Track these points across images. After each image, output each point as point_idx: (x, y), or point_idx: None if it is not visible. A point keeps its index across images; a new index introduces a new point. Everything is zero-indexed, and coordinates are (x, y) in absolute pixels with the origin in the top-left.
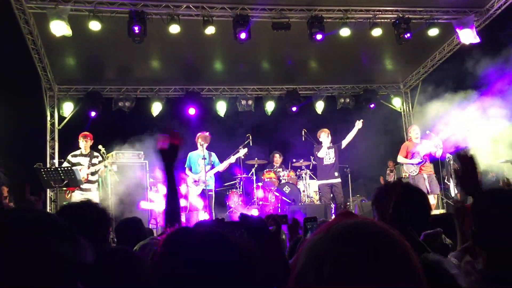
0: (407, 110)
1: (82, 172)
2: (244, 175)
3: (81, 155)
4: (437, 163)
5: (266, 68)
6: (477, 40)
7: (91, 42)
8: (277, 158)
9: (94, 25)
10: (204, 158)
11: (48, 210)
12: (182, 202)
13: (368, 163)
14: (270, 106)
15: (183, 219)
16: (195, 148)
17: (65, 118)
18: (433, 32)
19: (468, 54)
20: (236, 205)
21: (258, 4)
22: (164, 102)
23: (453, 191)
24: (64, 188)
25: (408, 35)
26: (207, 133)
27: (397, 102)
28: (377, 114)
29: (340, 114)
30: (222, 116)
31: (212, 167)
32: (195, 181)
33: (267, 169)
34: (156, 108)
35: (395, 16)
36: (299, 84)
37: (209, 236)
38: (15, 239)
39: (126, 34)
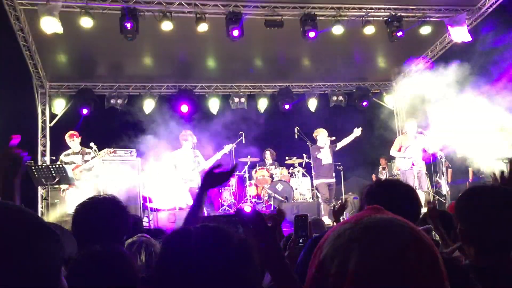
0: (399, 108)
1: (76, 170)
2: (237, 173)
3: (73, 153)
4: (428, 160)
5: (259, 66)
6: (469, 38)
7: (83, 39)
8: (268, 155)
9: (86, 22)
10: (196, 156)
11: (39, 208)
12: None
13: (361, 161)
14: (263, 104)
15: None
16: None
17: (57, 115)
18: (425, 30)
19: (459, 52)
20: (228, 203)
21: (251, 1)
22: (157, 99)
23: (445, 188)
24: (56, 186)
25: (401, 33)
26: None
27: (389, 100)
28: (370, 112)
29: (333, 112)
30: (215, 113)
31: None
32: (183, 179)
33: (260, 167)
34: (149, 105)
35: (388, 14)
36: (292, 82)
37: (208, 233)
38: None
39: (118, 31)
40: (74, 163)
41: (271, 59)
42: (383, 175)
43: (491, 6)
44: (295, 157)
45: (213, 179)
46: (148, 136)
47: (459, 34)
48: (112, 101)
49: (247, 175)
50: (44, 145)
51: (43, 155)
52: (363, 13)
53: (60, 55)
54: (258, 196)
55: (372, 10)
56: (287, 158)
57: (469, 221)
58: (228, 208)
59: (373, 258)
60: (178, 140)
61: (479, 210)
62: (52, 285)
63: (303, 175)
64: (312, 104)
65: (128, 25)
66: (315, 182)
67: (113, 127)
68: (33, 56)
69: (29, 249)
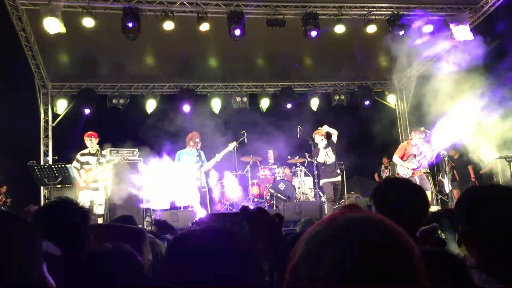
0: (402, 107)
1: (91, 173)
2: (239, 172)
3: (89, 154)
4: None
5: (261, 65)
6: (471, 37)
7: (85, 39)
8: (271, 155)
9: (88, 22)
10: (199, 155)
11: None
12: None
13: (363, 160)
14: (265, 103)
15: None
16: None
17: (59, 115)
18: (427, 29)
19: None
20: (231, 202)
21: (253, 0)
22: (159, 99)
23: (448, 187)
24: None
25: (403, 32)
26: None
27: (391, 99)
28: (372, 111)
29: (335, 111)
30: (217, 113)
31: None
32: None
33: (262, 166)
34: (151, 105)
35: (390, 13)
36: (294, 81)
37: (213, 234)
38: None
39: (120, 30)
40: (90, 164)
41: (273, 58)
42: (385, 174)
43: (493, 5)
44: (297, 157)
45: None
46: (150, 136)
47: (461, 32)
48: (114, 101)
49: (249, 175)
50: (46, 145)
51: (46, 155)
52: (365, 12)
53: (62, 55)
54: (260, 196)
55: (374, 9)
56: (289, 157)
57: (471, 221)
58: (231, 208)
59: (345, 260)
60: (179, 140)
61: (481, 210)
62: (33, 275)
63: (306, 174)
64: (314, 103)
65: (130, 24)
66: (321, 182)
67: (115, 127)
68: (35, 56)
69: (5, 238)
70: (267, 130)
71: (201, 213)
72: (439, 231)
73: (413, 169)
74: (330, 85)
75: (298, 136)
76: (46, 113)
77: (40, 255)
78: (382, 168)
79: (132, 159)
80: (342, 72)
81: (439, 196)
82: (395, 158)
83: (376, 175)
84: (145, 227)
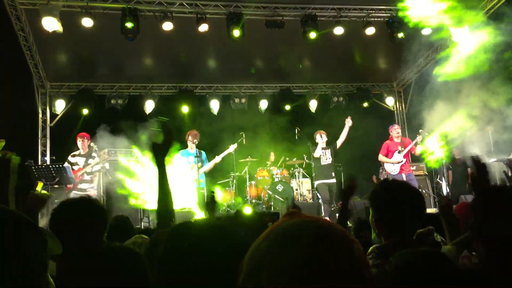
0: (400, 109)
1: (78, 173)
2: (237, 173)
3: (79, 155)
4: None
5: (260, 66)
6: (471, 38)
7: (84, 39)
8: (272, 157)
9: (87, 22)
10: (197, 156)
11: None
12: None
13: (361, 162)
14: (263, 105)
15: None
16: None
17: (57, 115)
18: (426, 31)
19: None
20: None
21: (252, 2)
22: (157, 100)
23: (445, 190)
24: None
25: (402, 34)
26: (196, 131)
27: (390, 101)
28: (370, 113)
29: (333, 113)
30: (216, 114)
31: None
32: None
33: (260, 168)
34: (149, 106)
35: (389, 15)
36: (293, 83)
37: (209, 228)
38: None
39: (119, 31)
40: (78, 164)
41: (271, 59)
42: (383, 176)
43: (492, 7)
44: (295, 158)
45: (161, 147)
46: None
47: (461, 34)
48: (113, 101)
49: (247, 176)
50: (44, 145)
51: (44, 155)
52: (364, 14)
53: (61, 55)
54: (258, 197)
55: (373, 11)
56: (287, 159)
57: (483, 218)
58: (228, 209)
59: (280, 274)
60: (178, 140)
61: (502, 207)
62: (38, 282)
63: (304, 176)
64: (313, 105)
65: (129, 25)
66: (315, 183)
67: (113, 127)
68: (34, 56)
69: (14, 244)
70: (266, 132)
71: (199, 215)
72: (435, 234)
73: (398, 162)
74: (328, 87)
75: (296, 137)
76: (44, 113)
77: (46, 264)
78: (381, 170)
79: (112, 159)
80: (341, 73)
81: (437, 199)
82: (380, 157)
83: (374, 177)
84: (142, 227)
